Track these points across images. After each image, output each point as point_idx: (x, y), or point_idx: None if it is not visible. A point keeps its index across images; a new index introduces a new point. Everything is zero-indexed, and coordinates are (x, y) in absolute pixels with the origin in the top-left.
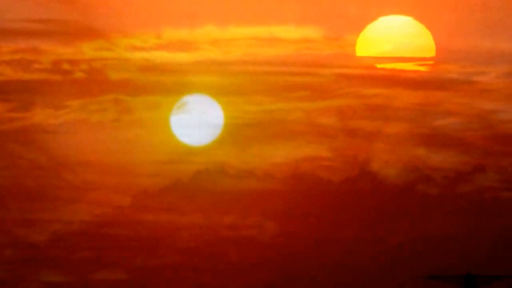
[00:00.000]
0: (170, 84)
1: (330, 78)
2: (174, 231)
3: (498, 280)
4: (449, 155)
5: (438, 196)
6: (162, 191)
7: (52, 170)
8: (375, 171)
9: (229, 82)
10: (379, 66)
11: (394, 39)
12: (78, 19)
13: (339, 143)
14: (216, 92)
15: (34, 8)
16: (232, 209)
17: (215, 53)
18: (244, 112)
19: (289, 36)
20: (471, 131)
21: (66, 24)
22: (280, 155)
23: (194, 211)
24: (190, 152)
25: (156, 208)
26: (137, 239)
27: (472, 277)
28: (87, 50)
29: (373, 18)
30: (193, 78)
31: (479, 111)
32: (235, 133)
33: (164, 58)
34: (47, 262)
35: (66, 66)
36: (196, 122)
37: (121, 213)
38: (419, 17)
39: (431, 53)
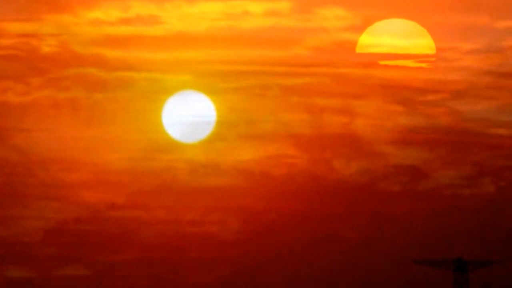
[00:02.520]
0: (137, 59)
1: (302, 52)
2: (138, 227)
3: (488, 265)
4: (411, 152)
5: (400, 192)
6: (128, 188)
7: (22, 167)
8: (340, 168)
9: (195, 59)
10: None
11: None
12: None
13: (304, 141)
14: (184, 75)
15: None
16: (195, 205)
17: (183, 27)
18: (213, 109)
19: (259, 10)
20: (436, 124)
21: None
22: (246, 152)
23: (158, 208)
24: (158, 149)
25: (122, 204)
26: (101, 235)
27: (462, 261)
28: (52, 24)
29: None
30: (161, 54)
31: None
32: (205, 130)
33: (131, 32)
34: (12, 258)
35: (31, 41)
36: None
37: (87, 210)
38: None
39: (432, 50)
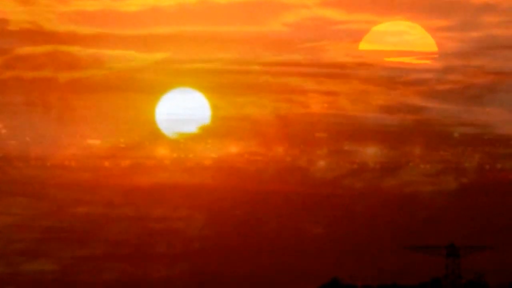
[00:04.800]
0: (110, 37)
1: (279, 29)
2: (105, 223)
3: (480, 251)
4: (376, 149)
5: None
6: (96, 184)
7: None
8: (304, 165)
9: (169, 36)
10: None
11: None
12: None
13: (271, 138)
14: (159, 54)
15: None
16: (162, 202)
17: (155, 2)
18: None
19: None
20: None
21: None
22: (213, 149)
23: (125, 204)
24: (126, 146)
25: (89, 200)
26: (69, 231)
27: (455, 248)
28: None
29: None
30: (134, 30)
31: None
32: (172, 127)
33: (101, 7)
34: None
35: None
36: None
37: (55, 206)
38: None
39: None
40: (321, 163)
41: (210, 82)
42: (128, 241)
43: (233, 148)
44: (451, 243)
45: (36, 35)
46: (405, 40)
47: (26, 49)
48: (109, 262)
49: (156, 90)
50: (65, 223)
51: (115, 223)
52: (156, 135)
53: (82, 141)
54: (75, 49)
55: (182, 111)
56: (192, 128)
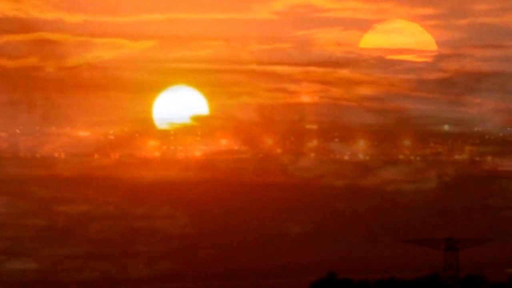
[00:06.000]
0: (99, 24)
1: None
2: (87, 222)
3: (479, 244)
4: (357, 147)
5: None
6: (79, 182)
7: None
8: (287, 163)
9: (158, 24)
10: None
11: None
12: None
13: (254, 136)
14: (148, 42)
15: None
16: (144, 200)
17: None
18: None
19: None
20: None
21: None
22: (197, 147)
23: (107, 202)
24: (110, 144)
25: (71, 199)
26: (51, 229)
27: (454, 241)
28: None
29: None
30: (123, 17)
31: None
32: (156, 125)
33: None
34: None
35: None
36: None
37: (37, 205)
38: None
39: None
40: (311, 156)
41: (198, 72)
42: (110, 240)
43: (219, 142)
44: (450, 237)
45: (23, 22)
46: (396, 32)
47: (12, 37)
48: (91, 261)
49: (147, 83)
50: (47, 221)
51: (97, 222)
52: (145, 128)
53: (64, 140)
54: (63, 37)
55: (172, 103)
56: (181, 119)
